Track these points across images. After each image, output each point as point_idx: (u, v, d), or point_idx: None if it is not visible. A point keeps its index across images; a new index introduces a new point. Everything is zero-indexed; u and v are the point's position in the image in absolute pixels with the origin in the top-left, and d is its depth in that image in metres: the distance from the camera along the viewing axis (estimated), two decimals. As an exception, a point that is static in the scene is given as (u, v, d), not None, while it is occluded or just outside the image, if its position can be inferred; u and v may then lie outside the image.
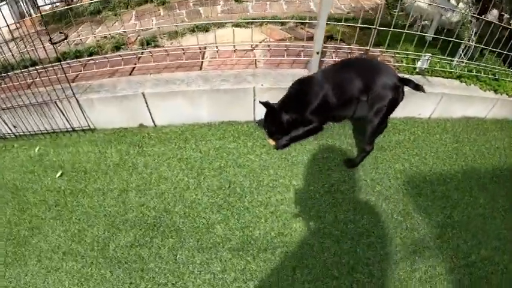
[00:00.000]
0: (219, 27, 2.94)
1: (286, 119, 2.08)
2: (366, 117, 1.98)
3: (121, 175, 2.20)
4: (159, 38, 2.85)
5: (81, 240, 1.94)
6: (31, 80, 2.42)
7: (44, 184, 2.27)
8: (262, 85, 2.24)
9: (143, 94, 2.25)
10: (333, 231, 1.90)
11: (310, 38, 2.46)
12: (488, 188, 2.19)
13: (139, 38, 2.95)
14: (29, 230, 2.05)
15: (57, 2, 3.63)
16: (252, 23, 2.86)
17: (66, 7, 2.25)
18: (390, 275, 1.77)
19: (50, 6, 3.66)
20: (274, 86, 2.25)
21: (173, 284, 1.76)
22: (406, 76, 2.34)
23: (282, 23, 2.95)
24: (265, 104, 2.05)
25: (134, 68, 2.52)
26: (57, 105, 2.36)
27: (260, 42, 2.70)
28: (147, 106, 2.34)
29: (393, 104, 1.93)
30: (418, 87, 1.89)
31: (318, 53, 2.22)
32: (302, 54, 2.45)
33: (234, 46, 2.44)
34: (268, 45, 2.62)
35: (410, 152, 2.30)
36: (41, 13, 3.05)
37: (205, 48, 2.61)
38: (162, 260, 1.83)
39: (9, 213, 2.16)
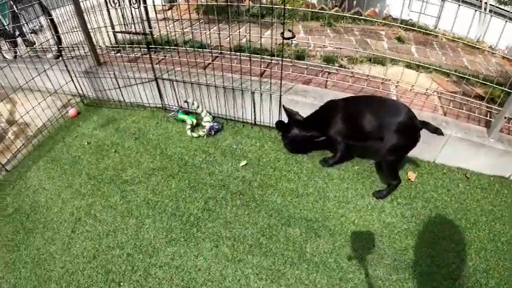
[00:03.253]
0: (392, 64, 2.99)
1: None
2: (380, 153, 1.98)
3: (316, 182, 2.23)
4: (339, 59, 2.89)
5: (272, 236, 1.96)
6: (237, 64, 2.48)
7: (224, 169, 2.34)
8: (456, 134, 2.21)
9: None
10: None
11: (477, 96, 2.52)
12: None
13: (318, 52, 3.01)
14: (202, 211, 2.11)
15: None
16: (420, 66, 2.91)
17: (226, 3, 2.27)
18: None
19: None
20: (465, 137, 2.20)
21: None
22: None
23: (448, 75, 3.00)
24: None
25: (327, 81, 2.56)
26: (253, 95, 2.43)
27: (435, 90, 2.75)
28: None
29: (407, 145, 1.93)
30: (436, 131, 1.86)
31: (505, 117, 2.24)
32: (476, 111, 2.42)
33: (412, 87, 2.49)
34: (440, 94, 2.64)
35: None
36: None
37: (388, 81, 2.64)
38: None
39: (174, 186, 2.26)
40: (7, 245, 2.13)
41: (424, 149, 2.27)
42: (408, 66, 2.94)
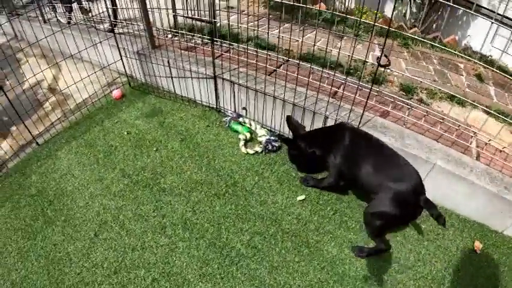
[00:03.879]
0: (473, 107, 2.62)
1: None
2: (365, 210, 1.71)
3: None
4: (419, 91, 2.53)
5: None
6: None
7: (279, 200, 2.01)
8: None
9: (434, 165, 1.92)
10: None
11: None
12: None
13: (396, 79, 2.66)
14: (246, 247, 1.79)
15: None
16: (502, 116, 2.54)
17: (293, 3, 1.93)
18: None
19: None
20: None
21: None
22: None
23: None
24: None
25: (406, 120, 2.20)
26: (326, 119, 2.11)
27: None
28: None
29: (398, 219, 1.65)
30: (438, 219, 1.49)
31: None
32: None
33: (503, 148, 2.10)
34: None
35: None
36: None
37: (469, 129, 2.27)
38: None
39: (218, 209, 1.93)
40: (23, 230, 1.90)
41: (494, 216, 1.92)
42: (488, 113, 2.57)
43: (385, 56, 1.71)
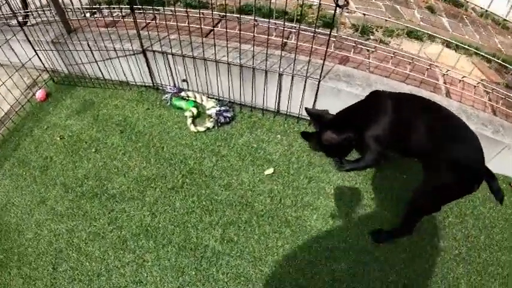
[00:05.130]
0: (431, 41, 2.44)
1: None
2: (415, 190, 1.42)
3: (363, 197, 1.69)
4: (374, 31, 2.28)
5: (314, 275, 1.45)
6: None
7: (245, 180, 1.73)
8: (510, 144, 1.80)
9: None
10: None
11: None
12: None
13: (348, 20, 2.35)
14: (221, 242, 1.53)
15: None
16: (458, 47, 2.41)
17: None
18: None
19: None
20: None
21: None
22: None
23: (489, 60, 2.53)
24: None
25: (370, 63, 1.95)
26: (280, 77, 1.80)
27: (481, 81, 2.27)
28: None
29: (455, 192, 1.29)
30: (498, 193, 1.28)
31: None
32: None
33: (463, 78, 1.97)
34: (487, 88, 2.15)
35: None
36: None
37: (435, 66, 2.08)
38: None
39: (179, 205, 1.63)
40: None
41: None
42: (447, 45, 2.43)
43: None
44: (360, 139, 1.51)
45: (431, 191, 1.32)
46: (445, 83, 2.02)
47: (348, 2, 1.41)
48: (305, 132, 1.68)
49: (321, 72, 1.67)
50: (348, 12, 2.50)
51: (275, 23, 1.82)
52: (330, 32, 1.54)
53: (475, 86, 1.96)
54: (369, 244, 1.54)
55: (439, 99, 1.82)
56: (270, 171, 1.73)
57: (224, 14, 1.97)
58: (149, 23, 2.12)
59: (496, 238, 1.65)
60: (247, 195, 1.65)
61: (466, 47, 2.29)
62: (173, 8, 1.90)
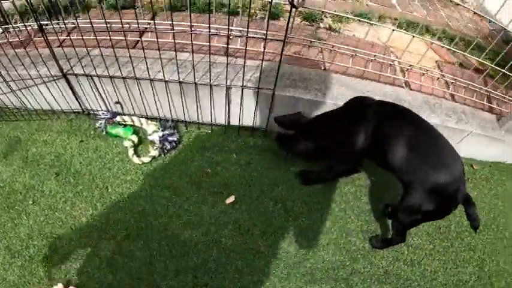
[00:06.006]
0: (381, 22, 2.29)
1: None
2: (396, 205, 1.34)
3: (336, 212, 1.56)
4: (323, 17, 2.08)
5: None
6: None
7: (205, 213, 1.52)
8: (475, 130, 1.74)
9: None
10: None
11: (477, 70, 2.06)
12: None
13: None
14: None
15: None
16: (409, 26, 2.31)
17: None
18: None
19: None
20: (482, 133, 1.76)
21: None
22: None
23: (439, 38, 2.44)
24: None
25: (324, 62, 1.76)
26: (228, 91, 1.56)
27: (436, 62, 2.18)
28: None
29: (432, 213, 1.23)
30: (474, 221, 1.21)
31: None
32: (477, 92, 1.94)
33: (426, 71, 1.87)
34: (441, 70, 2.06)
35: None
36: None
37: (390, 51, 1.94)
38: None
39: (140, 255, 1.41)
40: None
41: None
42: (398, 25, 2.31)
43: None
44: (336, 146, 1.39)
45: (408, 210, 1.24)
46: (402, 71, 1.91)
47: (304, 1, 1.15)
48: (281, 136, 1.56)
49: (275, 82, 1.44)
50: None
51: (216, 29, 1.55)
52: (286, 33, 1.26)
53: (431, 75, 1.86)
54: (346, 259, 1.44)
55: (403, 93, 1.70)
56: (231, 199, 1.53)
57: (152, 16, 1.67)
58: (64, 40, 1.75)
59: (465, 224, 1.64)
60: (212, 231, 1.45)
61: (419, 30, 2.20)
62: (89, 20, 1.53)
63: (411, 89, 1.80)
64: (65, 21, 1.69)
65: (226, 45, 1.66)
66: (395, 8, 2.57)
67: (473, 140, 1.79)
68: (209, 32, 1.26)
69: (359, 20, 2.21)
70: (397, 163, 1.20)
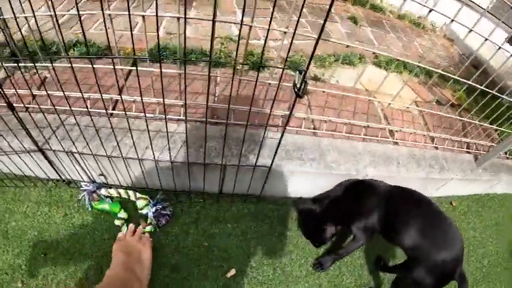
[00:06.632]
0: (362, 62, 2.31)
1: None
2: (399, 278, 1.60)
3: None
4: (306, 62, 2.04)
5: None
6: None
7: None
8: (456, 175, 1.84)
9: (366, 176, 1.60)
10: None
11: (453, 105, 2.18)
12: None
13: (275, 51, 2.07)
14: None
15: None
16: (388, 64, 2.35)
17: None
18: None
19: None
20: (463, 177, 1.88)
21: None
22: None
23: (416, 74, 2.50)
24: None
25: (313, 122, 1.74)
26: (224, 168, 1.53)
27: (414, 102, 2.23)
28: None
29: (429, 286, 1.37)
30: None
31: (506, 153, 2.00)
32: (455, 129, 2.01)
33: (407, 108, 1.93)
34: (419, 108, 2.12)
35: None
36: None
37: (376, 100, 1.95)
38: None
39: None
40: None
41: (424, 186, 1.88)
42: (377, 64, 2.35)
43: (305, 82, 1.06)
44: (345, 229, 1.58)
45: (412, 282, 1.41)
46: (385, 117, 1.96)
47: (306, 91, 1.09)
48: (308, 232, 1.67)
49: (273, 159, 1.39)
50: (273, 39, 2.24)
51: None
52: (296, 97, 1.07)
53: (415, 132, 1.91)
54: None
55: (391, 150, 1.75)
56: (232, 272, 1.51)
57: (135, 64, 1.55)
58: (29, 103, 1.59)
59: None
60: (214, 310, 1.42)
61: (396, 67, 2.25)
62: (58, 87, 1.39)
63: (396, 142, 1.85)
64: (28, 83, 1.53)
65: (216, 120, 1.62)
66: (373, 43, 2.61)
67: (454, 183, 1.91)
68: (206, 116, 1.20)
69: (341, 63, 2.23)
70: (407, 243, 1.38)
